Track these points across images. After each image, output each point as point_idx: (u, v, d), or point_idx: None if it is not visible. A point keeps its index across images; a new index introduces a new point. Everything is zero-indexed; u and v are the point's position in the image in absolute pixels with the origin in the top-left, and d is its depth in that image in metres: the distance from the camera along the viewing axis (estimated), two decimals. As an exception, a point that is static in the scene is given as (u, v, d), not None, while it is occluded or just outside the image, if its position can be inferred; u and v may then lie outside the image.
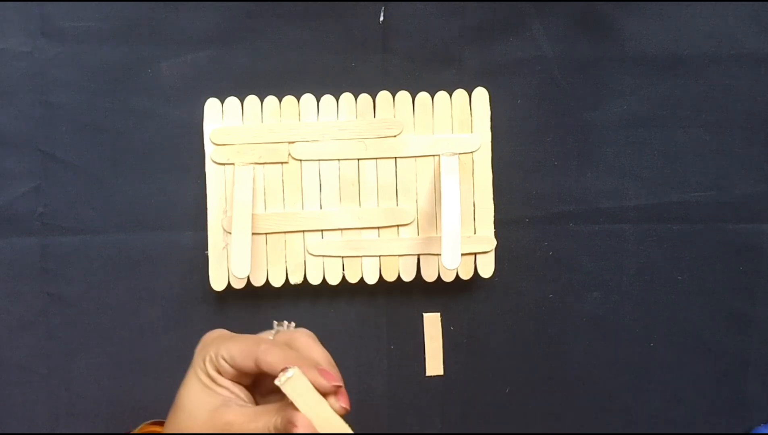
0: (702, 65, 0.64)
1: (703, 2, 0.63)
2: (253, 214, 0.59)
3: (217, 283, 0.61)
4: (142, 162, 0.63)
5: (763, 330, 0.65)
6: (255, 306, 0.62)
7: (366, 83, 0.62)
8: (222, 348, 0.45)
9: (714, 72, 0.64)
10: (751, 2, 0.63)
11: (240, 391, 0.46)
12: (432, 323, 0.64)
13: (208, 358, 0.45)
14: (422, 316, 0.64)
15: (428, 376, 0.65)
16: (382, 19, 0.62)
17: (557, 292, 0.65)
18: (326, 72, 0.63)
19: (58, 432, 0.61)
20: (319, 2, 0.62)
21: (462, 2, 0.62)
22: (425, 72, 0.63)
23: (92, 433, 0.63)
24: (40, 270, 0.63)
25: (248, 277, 0.60)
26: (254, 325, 0.63)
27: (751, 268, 0.65)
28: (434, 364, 0.65)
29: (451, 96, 0.62)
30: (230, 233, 0.59)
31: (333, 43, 0.63)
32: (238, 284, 0.61)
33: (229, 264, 0.60)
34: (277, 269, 0.62)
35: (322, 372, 0.44)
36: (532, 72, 0.63)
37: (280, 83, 0.62)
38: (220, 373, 0.45)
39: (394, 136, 0.62)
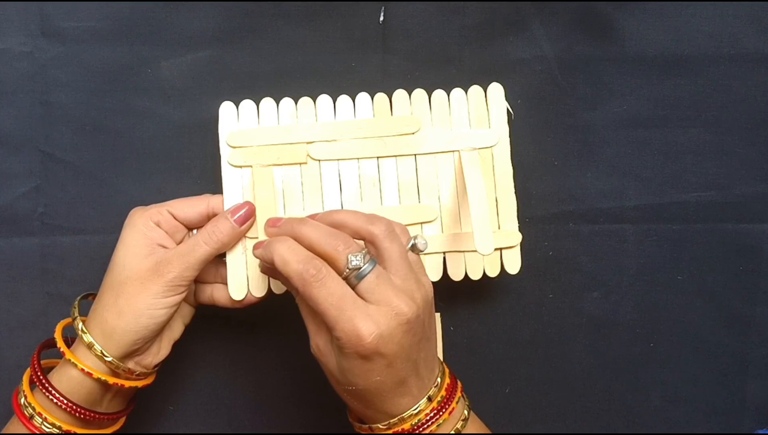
0: (702, 65, 0.64)
1: (703, 2, 0.63)
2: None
3: (237, 292, 0.58)
4: (142, 162, 0.63)
5: (763, 330, 0.65)
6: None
7: (366, 83, 0.62)
8: (166, 205, 0.57)
9: (714, 72, 0.64)
10: (751, 2, 0.63)
11: (169, 243, 0.56)
12: (432, 323, 0.64)
13: (148, 214, 0.56)
14: (422, 316, 0.64)
15: (428, 376, 0.65)
16: (382, 19, 0.62)
17: (557, 292, 0.65)
18: (326, 72, 0.63)
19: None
20: (319, 2, 0.62)
21: (462, 2, 0.62)
22: (425, 72, 0.63)
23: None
24: (40, 270, 0.63)
25: (269, 286, 0.58)
26: (254, 325, 0.64)
27: (751, 268, 0.65)
28: (434, 364, 0.65)
29: (466, 92, 0.61)
30: (250, 238, 0.58)
31: (333, 43, 0.62)
32: (259, 293, 0.59)
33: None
34: None
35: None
36: (532, 72, 0.63)
37: (280, 83, 0.62)
38: (158, 225, 0.56)
39: (413, 133, 0.61)
